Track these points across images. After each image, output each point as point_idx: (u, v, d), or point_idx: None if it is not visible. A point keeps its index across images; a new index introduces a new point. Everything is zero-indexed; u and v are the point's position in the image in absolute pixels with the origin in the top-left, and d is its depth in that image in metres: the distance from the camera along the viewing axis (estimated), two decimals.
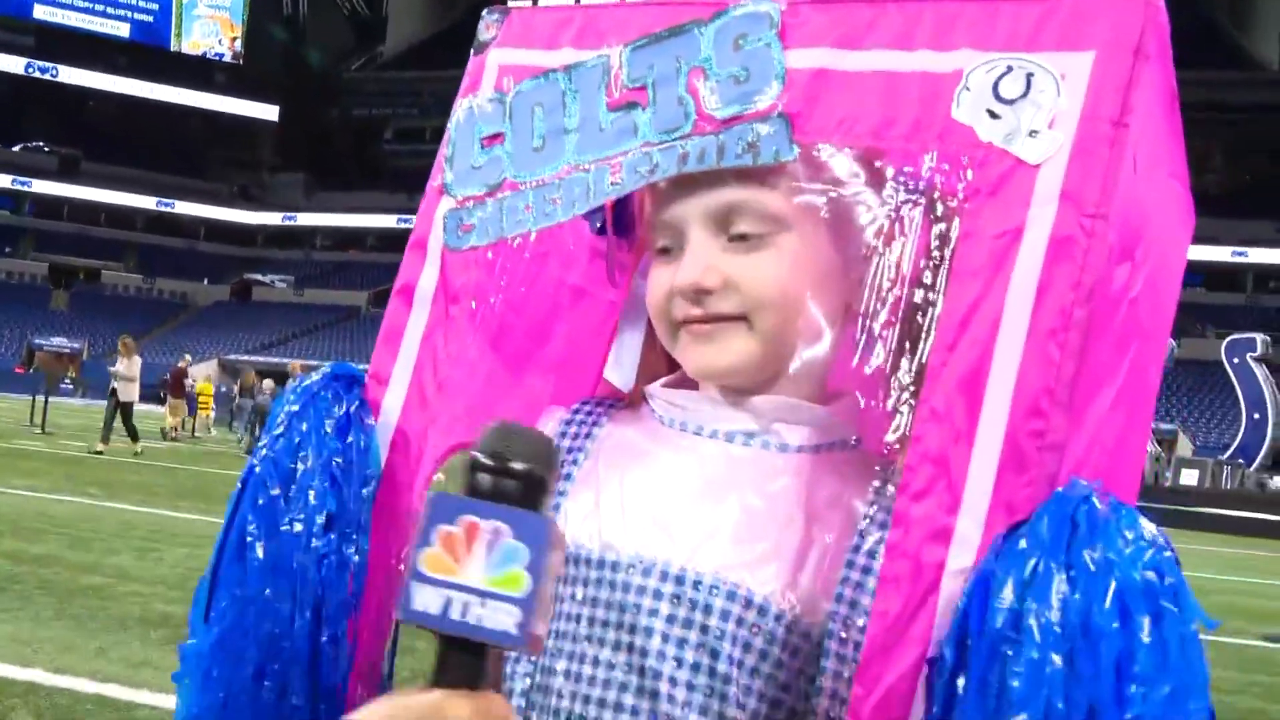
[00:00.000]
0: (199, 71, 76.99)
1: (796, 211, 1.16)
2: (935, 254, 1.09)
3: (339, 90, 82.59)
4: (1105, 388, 1.08)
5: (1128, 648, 0.86)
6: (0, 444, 20.71)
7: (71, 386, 48.86)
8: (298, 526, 1.20)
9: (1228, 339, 31.21)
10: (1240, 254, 61.01)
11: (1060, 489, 0.96)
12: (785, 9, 1.15)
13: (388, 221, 71.97)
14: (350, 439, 1.25)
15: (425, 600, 0.79)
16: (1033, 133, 1.01)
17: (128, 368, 20.41)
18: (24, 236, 75.32)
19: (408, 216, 73.89)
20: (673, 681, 1.11)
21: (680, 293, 1.18)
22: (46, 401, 25.68)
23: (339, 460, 1.23)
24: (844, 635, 1.08)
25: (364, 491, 1.25)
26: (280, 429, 1.26)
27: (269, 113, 77.73)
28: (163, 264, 75.82)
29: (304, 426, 1.25)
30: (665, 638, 1.12)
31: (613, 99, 1.22)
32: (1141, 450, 1.35)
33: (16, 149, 76.69)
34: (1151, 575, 0.88)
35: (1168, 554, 0.91)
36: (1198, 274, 63.18)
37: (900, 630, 0.98)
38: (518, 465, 0.80)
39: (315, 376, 1.31)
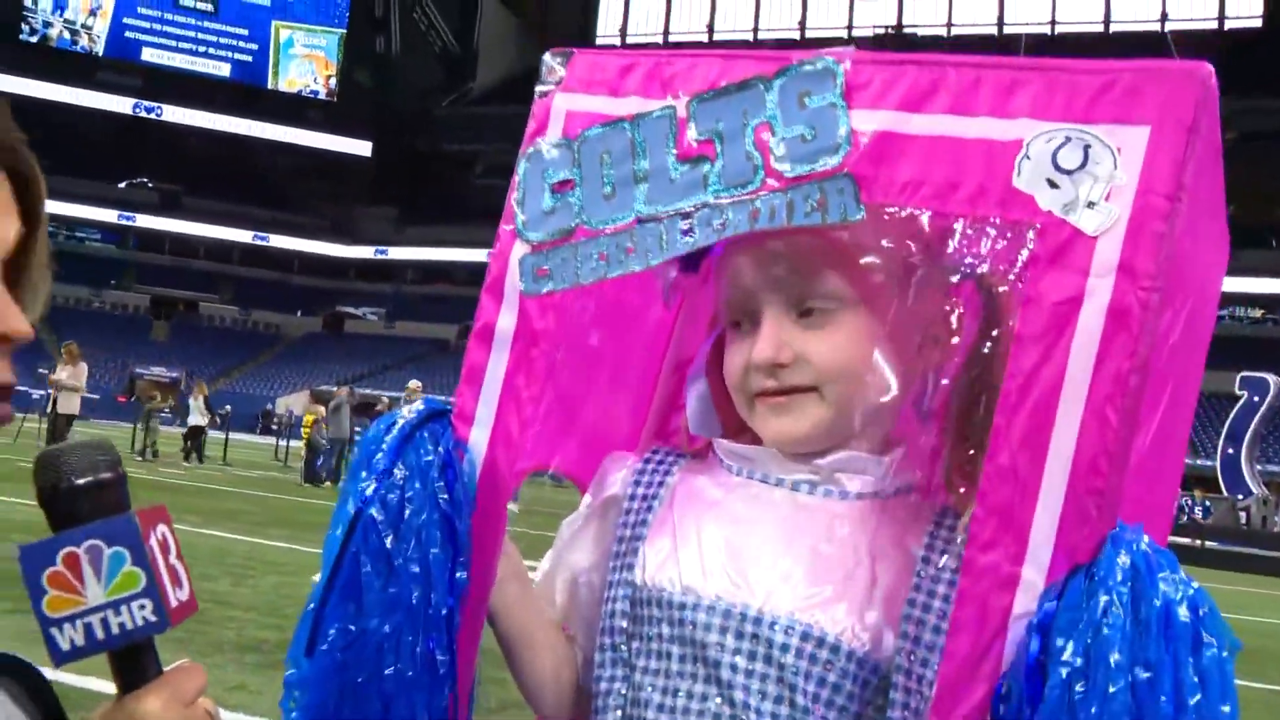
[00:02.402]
0: (294, 109, 78.84)
1: (862, 286, 1.23)
2: (993, 318, 1.14)
3: (430, 126, 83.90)
4: (1144, 433, 1.12)
5: (1182, 674, 0.96)
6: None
7: (171, 415, 50.10)
8: (414, 566, 1.27)
9: None
10: None
11: (1114, 533, 1.02)
12: (849, 68, 1.20)
13: (478, 255, 72.57)
14: (451, 476, 1.32)
15: (69, 637, 0.88)
16: (1090, 204, 1.06)
17: (71, 375, 18.65)
18: (127, 269, 77.51)
19: None
20: (759, 713, 1.19)
21: (756, 367, 1.27)
22: (148, 428, 26.27)
23: (445, 497, 1.30)
24: (909, 669, 1.16)
25: (466, 526, 1.32)
26: (381, 467, 1.33)
27: (362, 148, 79.26)
28: (257, 296, 77.51)
29: (406, 464, 1.32)
30: (748, 674, 1.21)
31: (681, 150, 1.27)
32: (1175, 481, 1.42)
33: (122, 185, 79.06)
34: (1201, 610, 0.99)
35: (1197, 586, 1.01)
36: None
37: (971, 669, 1.05)
38: (79, 482, 0.89)
39: (408, 413, 1.38)
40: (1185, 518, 29.60)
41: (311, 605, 1.34)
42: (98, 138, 76.23)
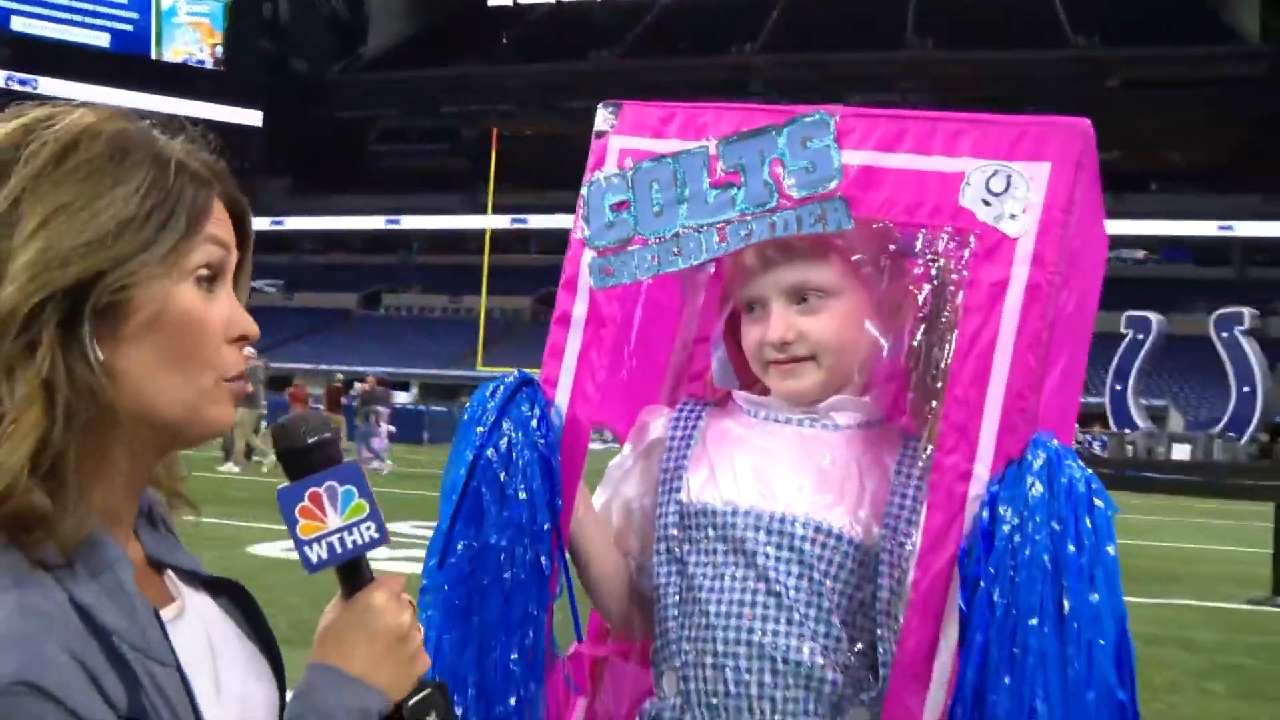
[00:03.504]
0: (181, 79, 77.15)
1: (847, 280, 1.72)
2: (948, 298, 1.63)
3: (322, 93, 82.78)
4: (1052, 371, 1.63)
5: (1081, 526, 1.45)
6: None
7: None
8: (522, 494, 1.73)
9: (1215, 314, 31.63)
10: (1227, 228, 61.39)
11: (1034, 437, 1.51)
12: (839, 120, 1.67)
13: (375, 223, 72.43)
14: (544, 428, 1.78)
15: (316, 553, 1.11)
16: (1013, 216, 1.55)
17: None
18: None
19: (395, 217, 73.97)
20: (786, 587, 1.66)
21: (768, 344, 1.74)
22: None
23: (541, 443, 1.76)
24: (890, 549, 1.65)
25: (557, 465, 1.78)
26: (491, 421, 1.78)
27: (253, 118, 77.87)
28: None
29: (510, 419, 1.77)
30: (777, 559, 1.68)
31: (714, 179, 1.74)
32: (1073, 409, 1.95)
33: None
34: (1093, 484, 1.48)
35: (1090, 471, 1.50)
36: (1187, 250, 63.50)
37: (942, 537, 1.54)
38: (312, 440, 1.13)
39: (509, 380, 1.83)
40: (1081, 450, 30.88)
41: (442, 528, 1.79)
42: None
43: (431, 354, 63.72)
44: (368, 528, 1.11)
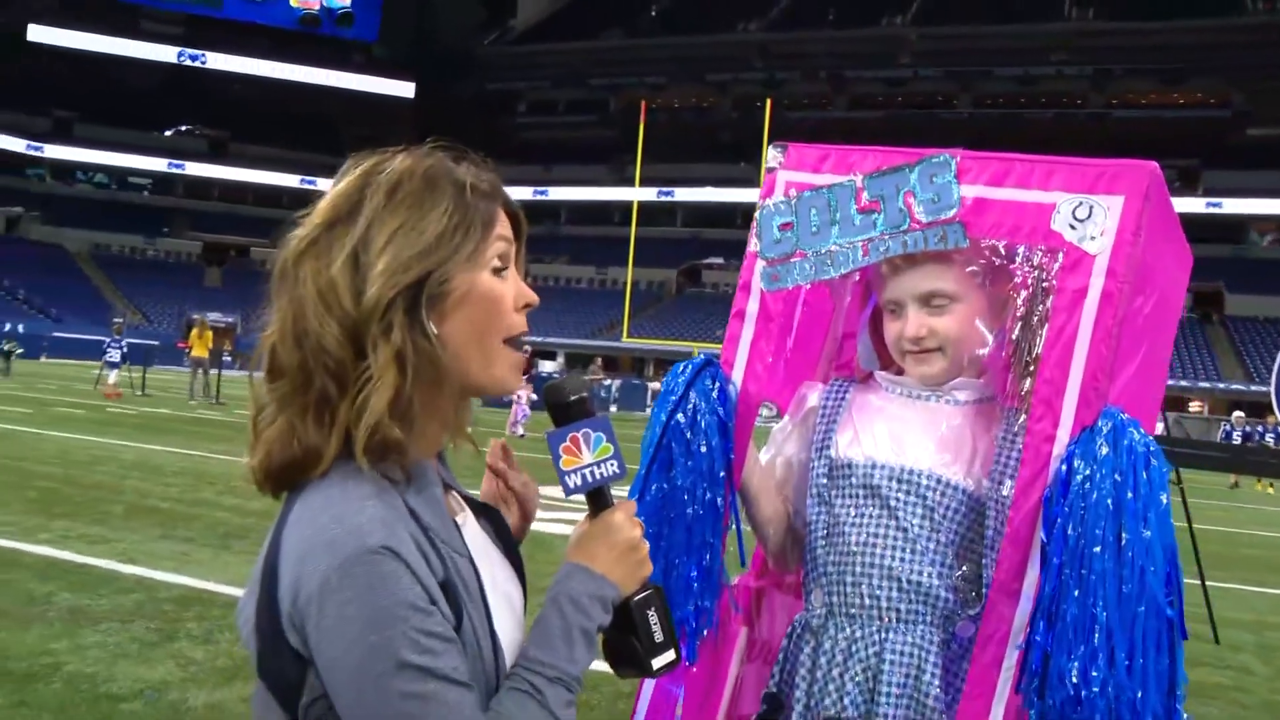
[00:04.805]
0: (338, 52, 79.40)
1: (965, 287, 2.16)
2: (1040, 300, 2.08)
3: (472, 65, 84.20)
4: (1129, 363, 2.07)
5: (1138, 479, 1.88)
6: (187, 415, 22.54)
7: (231, 359, 51.34)
8: (703, 449, 2.23)
9: None
10: None
11: (1105, 409, 1.96)
12: (959, 160, 2.13)
13: (523, 193, 73.43)
14: (723, 399, 2.28)
15: (573, 481, 1.41)
16: (1092, 237, 1.99)
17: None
18: (179, 217, 78.81)
19: (543, 188, 75.03)
20: (911, 525, 2.13)
21: (906, 339, 2.21)
22: (220, 374, 27.44)
23: (720, 410, 2.26)
24: (996, 498, 2.09)
25: (731, 427, 2.28)
26: (680, 392, 2.28)
27: (405, 90, 79.74)
28: None
29: (696, 392, 2.28)
30: (906, 504, 2.15)
31: (860, 206, 2.21)
32: (1154, 401, 2.36)
33: (169, 134, 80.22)
34: (1150, 447, 1.91)
35: (1151, 436, 1.92)
36: None
37: (1030, 485, 1.99)
38: (574, 397, 1.43)
39: (695, 361, 2.33)
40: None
41: (640, 474, 2.30)
42: (144, 87, 77.15)
43: (577, 324, 64.71)
44: (611, 464, 1.44)
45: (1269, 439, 31.33)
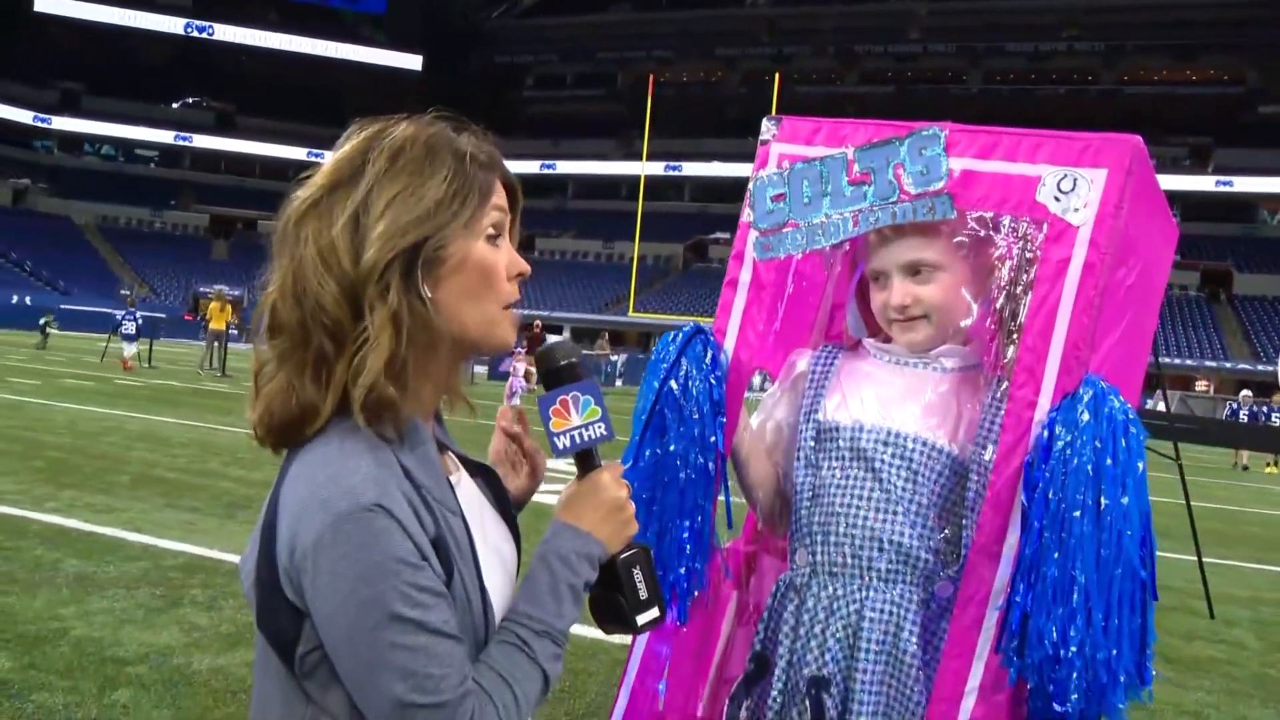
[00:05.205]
0: (345, 25, 79.21)
1: (951, 257, 2.20)
2: (1024, 270, 2.12)
3: (480, 39, 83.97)
4: (1111, 333, 2.11)
5: (1118, 446, 1.92)
6: (192, 387, 22.63)
7: (237, 332, 51.43)
8: (695, 414, 2.28)
9: None
10: None
11: (1086, 377, 2.00)
12: (948, 134, 2.17)
13: (530, 167, 73.34)
14: (714, 366, 2.32)
15: (562, 442, 1.47)
16: (1076, 209, 2.03)
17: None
18: (186, 190, 78.83)
19: (550, 162, 74.92)
20: (895, 487, 2.17)
21: (892, 307, 2.25)
22: (225, 346, 27.46)
23: (714, 378, 2.30)
24: (978, 461, 2.14)
25: (722, 394, 2.32)
26: (672, 358, 2.33)
27: (412, 62, 79.62)
28: None
29: (688, 358, 2.32)
30: (892, 466, 2.19)
31: (851, 177, 2.25)
32: (1138, 372, 2.39)
33: (176, 106, 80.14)
34: (1129, 415, 1.95)
35: (1130, 404, 1.97)
36: None
37: (1012, 450, 2.04)
38: (564, 362, 1.49)
39: (686, 329, 2.38)
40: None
41: (634, 439, 2.35)
42: (151, 59, 77.08)
43: (584, 299, 64.72)
44: (599, 426, 1.50)
45: (1275, 419, 31.31)
